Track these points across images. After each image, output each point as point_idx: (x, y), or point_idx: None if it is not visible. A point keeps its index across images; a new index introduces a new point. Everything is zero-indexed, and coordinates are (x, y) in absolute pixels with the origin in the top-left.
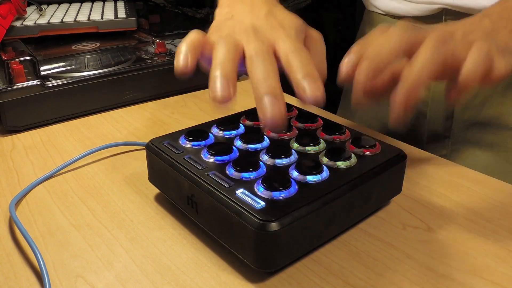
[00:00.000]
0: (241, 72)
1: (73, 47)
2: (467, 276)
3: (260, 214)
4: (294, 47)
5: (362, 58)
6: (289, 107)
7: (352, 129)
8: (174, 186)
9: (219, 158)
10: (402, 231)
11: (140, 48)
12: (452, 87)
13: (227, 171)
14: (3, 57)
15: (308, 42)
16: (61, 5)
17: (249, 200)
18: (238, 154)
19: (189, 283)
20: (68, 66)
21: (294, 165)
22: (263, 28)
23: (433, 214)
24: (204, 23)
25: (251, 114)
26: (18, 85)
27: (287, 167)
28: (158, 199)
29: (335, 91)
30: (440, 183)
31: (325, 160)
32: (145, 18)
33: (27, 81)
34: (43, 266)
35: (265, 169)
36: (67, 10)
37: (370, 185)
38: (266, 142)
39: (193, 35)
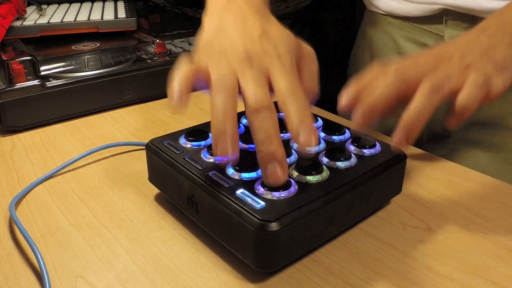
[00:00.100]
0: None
1: (73, 47)
2: (467, 276)
3: (260, 214)
4: (292, 90)
5: (359, 102)
6: None
7: (352, 129)
8: (174, 186)
9: (219, 158)
10: (402, 231)
11: (140, 48)
12: (451, 113)
13: (227, 171)
14: (3, 57)
15: (301, 62)
16: (61, 5)
17: (249, 200)
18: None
19: (189, 283)
20: (68, 66)
21: (294, 165)
22: (257, 55)
23: (433, 214)
24: None
25: None
26: (18, 85)
27: None
28: (158, 199)
29: (335, 92)
30: (440, 183)
31: (325, 160)
32: (145, 18)
33: (27, 81)
34: (43, 266)
35: None
36: (67, 10)
37: (370, 185)
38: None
39: (184, 69)
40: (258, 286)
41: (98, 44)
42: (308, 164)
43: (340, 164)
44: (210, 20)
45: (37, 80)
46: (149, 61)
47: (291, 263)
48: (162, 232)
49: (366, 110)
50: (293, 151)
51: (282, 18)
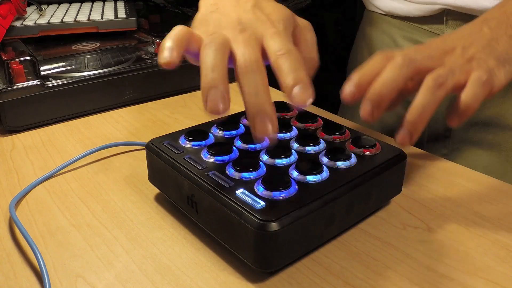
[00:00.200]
0: (229, 67)
1: (73, 47)
2: (467, 276)
3: (260, 214)
4: (284, 47)
5: (364, 98)
6: (288, 107)
7: (352, 129)
8: (174, 186)
9: (219, 158)
10: (402, 231)
11: (140, 48)
12: (453, 111)
13: (227, 171)
14: (3, 57)
15: (297, 32)
16: (61, 5)
17: (249, 200)
18: (238, 154)
19: (189, 283)
20: (68, 66)
21: (294, 165)
22: (250, 22)
23: (433, 214)
24: None
25: None
26: (18, 85)
27: (287, 167)
28: (158, 199)
29: (335, 92)
30: (440, 183)
31: (325, 160)
32: (145, 18)
33: (27, 81)
34: (43, 266)
35: (265, 169)
36: (67, 10)
37: (370, 185)
38: (266, 142)
39: (178, 30)
40: (258, 286)
41: (98, 44)
42: (308, 164)
43: (340, 164)
44: (206, 1)
45: (37, 80)
46: (149, 61)
47: (291, 263)
48: (162, 232)
49: (375, 100)
50: (293, 151)
51: None
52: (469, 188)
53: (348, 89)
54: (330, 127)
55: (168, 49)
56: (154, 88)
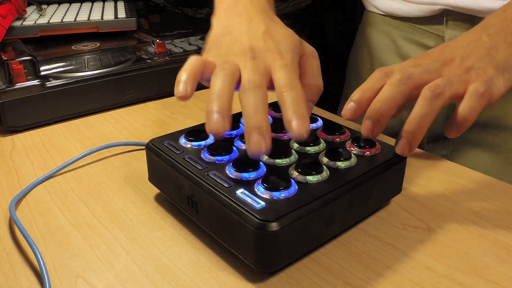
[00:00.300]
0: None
1: (73, 47)
2: (467, 276)
3: (260, 214)
4: (289, 84)
5: (367, 110)
6: None
7: (352, 129)
8: (174, 186)
9: (219, 158)
10: (402, 231)
11: (140, 48)
12: (451, 123)
13: (227, 171)
14: (3, 57)
15: (304, 60)
16: (61, 5)
17: (249, 200)
18: (238, 154)
19: (189, 283)
20: (68, 66)
21: (294, 165)
22: (260, 50)
23: (433, 214)
24: (204, 23)
25: None
26: (18, 85)
27: (287, 167)
28: (158, 199)
29: (335, 92)
30: (440, 183)
31: (325, 160)
32: (145, 18)
33: (27, 81)
34: (43, 266)
35: (265, 169)
36: (67, 10)
37: (370, 185)
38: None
39: (192, 62)
40: (258, 286)
41: (98, 44)
42: (308, 164)
43: (340, 164)
44: (218, 20)
45: (37, 80)
46: (149, 61)
47: (291, 263)
48: (162, 232)
49: (374, 117)
50: (293, 151)
51: (282, 18)
52: (469, 188)
53: (349, 107)
54: (330, 127)
55: (183, 83)
56: (154, 88)
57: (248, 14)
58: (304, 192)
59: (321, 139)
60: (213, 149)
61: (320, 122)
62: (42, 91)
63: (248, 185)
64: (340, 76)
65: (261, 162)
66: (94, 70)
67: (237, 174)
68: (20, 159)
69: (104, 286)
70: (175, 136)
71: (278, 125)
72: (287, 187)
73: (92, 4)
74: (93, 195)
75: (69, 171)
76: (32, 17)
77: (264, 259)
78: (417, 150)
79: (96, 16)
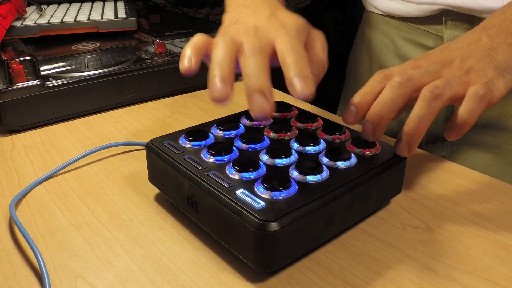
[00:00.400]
0: (238, 70)
1: (73, 47)
2: (467, 276)
3: (260, 214)
4: (291, 45)
5: (367, 114)
6: (289, 107)
7: (352, 129)
8: (174, 186)
9: (219, 158)
10: (402, 231)
11: (140, 48)
12: (451, 126)
13: (227, 171)
14: (3, 57)
15: (309, 39)
16: (61, 5)
17: (249, 200)
18: (238, 154)
19: (189, 283)
20: (68, 66)
21: (294, 165)
22: (264, 27)
23: (433, 214)
24: (204, 23)
25: None
26: (18, 85)
27: (287, 167)
28: (158, 199)
29: (335, 92)
30: (440, 183)
31: (325, 160)
32: (145, 18)
33: (27, 81)
34: (43, 266)
35: (265, 169)
36: (67, 10)
37: (370, 185)
38: (266, 142)
39: (197, 38)
40: (258, 286)
41: (98, 44)
42: (308, 164)
43: (340, 164)
44: (228, 14)
45: (37, 80)
46: (149, 61)
47: (291, 263)
48: (162, 232)
49: (375, 120)
50: (293, 151)
51: None
52: (469, 188)
53: (350, 111)
54: (330, 127)
55: (187, 57)
56: (154, 88)
57: (255, 5)
58: (304, 192)
59: (321, 139)
60: (213, 149)
61: (320, 122)
62: (42, 91)
63: (248, 185)
64: (340, 76)
65: (261, 162)
66: (94, 70)
67: (237, 174)
68: (20, 159)
69: (104, 286)
70: (175, 136)
71: (278, 125)
72: (287, 187)
73: (92, 4)
74: (93, 195)
75: (69, 171)
76: (32, 17)
77: (264, 259)
78: (417, 150)
79: (96, 16)
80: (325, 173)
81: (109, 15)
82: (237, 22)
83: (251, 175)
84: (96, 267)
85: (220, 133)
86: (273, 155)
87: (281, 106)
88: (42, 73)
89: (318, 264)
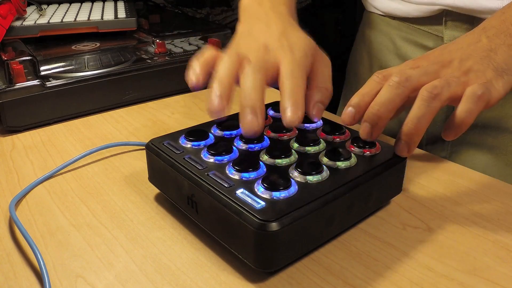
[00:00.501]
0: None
1: (73, 47)
2: (467, 276)
3: (260, 214)
4: (292, 72)
5: (365, 114)
6: None
7: (352, 129)
8: (174, 186)
9: (219, 158)
10: (402, 231)
11: (140, 48)
12: (449, 126)
13: (227, 171)
14: (3, 57)
15: (317, 66)
16: (61, 5)
17: (249, 200)
18: (238, 154)
19: (189, 283)
20: (68, 66)
21: (294, 165)
22: (273, 47)
23: (433, 214)
24: (204, 23)
25: None
26: (18, 85)
27: (287, 167)
28: (158, 199)
29: (335, 92)
30: (440, 183)
31: (325, 160)
32: (145, 18)
33: (27, 81)
34: (43, 266)
35: (265, 169)
36: (67, 10)
37: (370, 185)
38: (266, 142)
39: (207, 54)
40: (258, 286)
41: (98, 44)
42: (308, 164)
43: (340, 164)
44: (241, 25)
45: (37, 80)
46: (149, 61)
47: (291, 263)
48: (162, 232)
49: (373, 120)
50: (293, 151)
51: None
52: (469, 188)
53: (348, 112)
54: (330, 127)
55: (196, 74)
56: (154, 88)
57: (268, 19)
58: (304, 192)
59: (321, 139)
60: (213, 149)
61: (320, 122)
62: (42, 91)
63: (248, 185)
64: (340, 76)
65: (261, 162)
66: (94, 70)
67: (237, 174)
68: (20, 159)
69: (104, 286)
70: (175, 136)
71: (278, 125)
72: (287, 187)
73: (92, 4)
74: (93, 195)
75: (69, 171)
76: (32, 17)
77: (264, 259)
78: (417, 150)
79: (96, 16)
80: (325, 173)
81: (109, 15)
82: (249, 36)
83: (251, 175)
84: (96, 267)
85: (220, 133)
86: (273, 155)
87: None
88: (42, 73)
89: (318, 264)
